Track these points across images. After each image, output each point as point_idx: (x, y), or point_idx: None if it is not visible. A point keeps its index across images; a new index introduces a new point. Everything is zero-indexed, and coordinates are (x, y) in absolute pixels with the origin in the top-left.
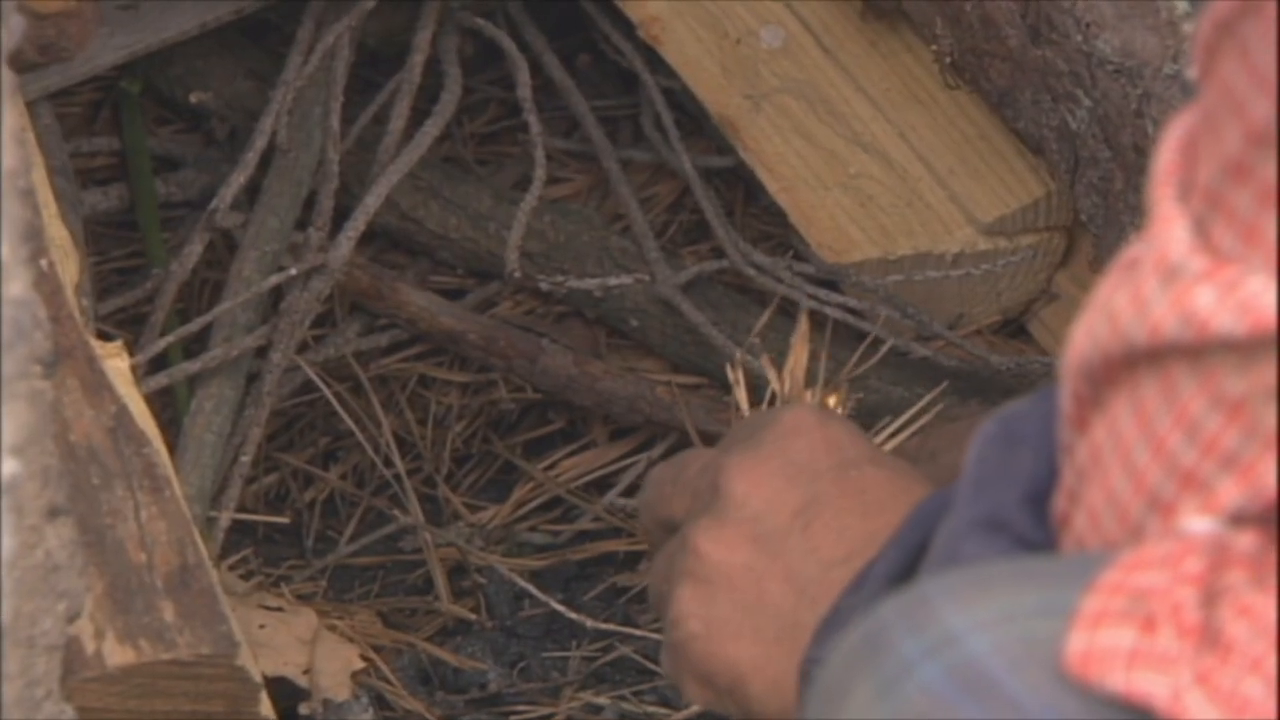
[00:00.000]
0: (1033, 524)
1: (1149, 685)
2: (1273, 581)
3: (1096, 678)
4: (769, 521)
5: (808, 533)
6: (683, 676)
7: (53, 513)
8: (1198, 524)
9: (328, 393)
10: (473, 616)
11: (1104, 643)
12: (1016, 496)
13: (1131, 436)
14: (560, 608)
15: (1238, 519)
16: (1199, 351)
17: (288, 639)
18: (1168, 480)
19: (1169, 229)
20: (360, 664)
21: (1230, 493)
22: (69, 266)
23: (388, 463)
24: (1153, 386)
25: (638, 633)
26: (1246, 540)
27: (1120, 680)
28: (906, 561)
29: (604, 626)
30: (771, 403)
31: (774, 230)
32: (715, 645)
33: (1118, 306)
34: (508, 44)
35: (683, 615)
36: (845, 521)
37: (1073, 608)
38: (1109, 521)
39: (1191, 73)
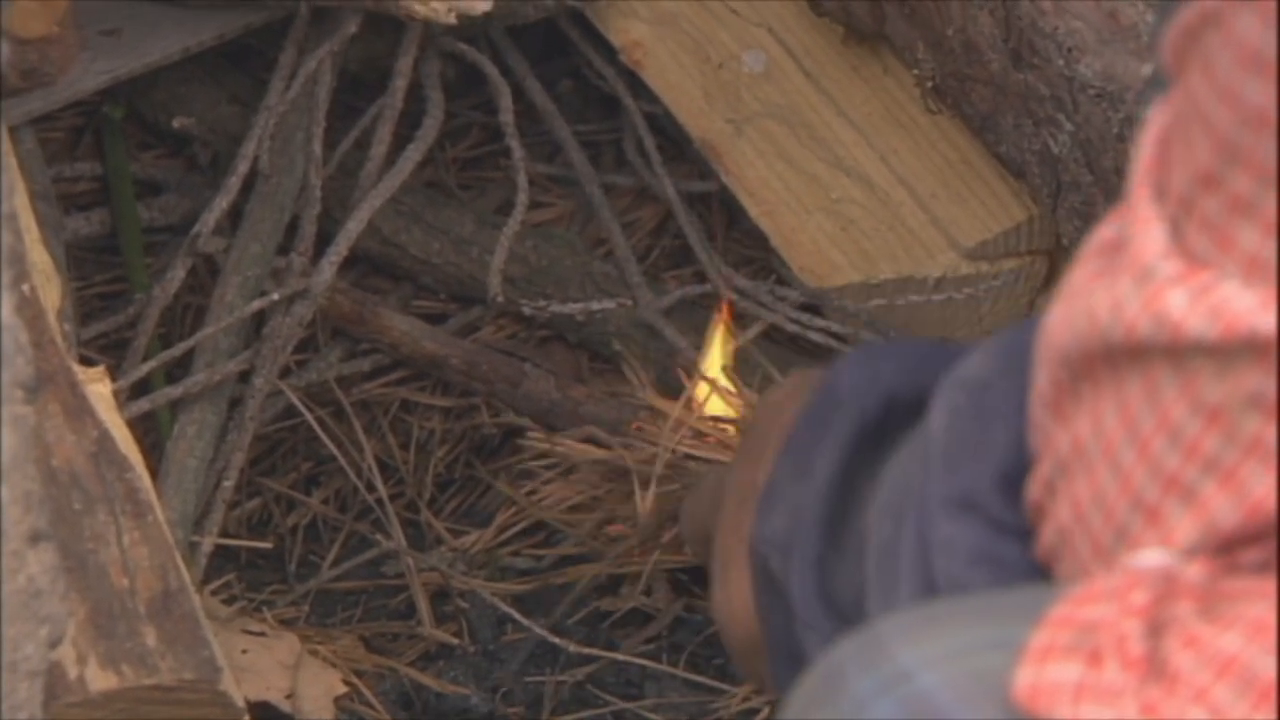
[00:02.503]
0: (1004, 505)
1: (1096, 717)
2: (1221, 611)
3: (1045, 711)
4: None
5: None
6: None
7: (35, 538)
8: (1147, 557)
9: (310, 418)
10: (455, 641)
11: (1051, 676)
12: (989, 475)
13: (1117, 435)
14: (543, 632)
15: (1193, 550)
16: (1178, 354)
17: (270, 664)
18: (1151, 483)
19: (1146, 229)
20: (343, 689)
21: (1214, 499)
22: (51, 291)
23: (370, 487)
24: (1136, 385)
25: (620, 657)
26: (1194, 571)
27: (1068, 713)
28: (819, 429)
29: (587, 651)
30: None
31: (756, 255)
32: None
33: (1096, 303)
34: (490, 69)
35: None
36: None
37: (1022, 642)
38: (1095, 519)
39: (1147, 69)
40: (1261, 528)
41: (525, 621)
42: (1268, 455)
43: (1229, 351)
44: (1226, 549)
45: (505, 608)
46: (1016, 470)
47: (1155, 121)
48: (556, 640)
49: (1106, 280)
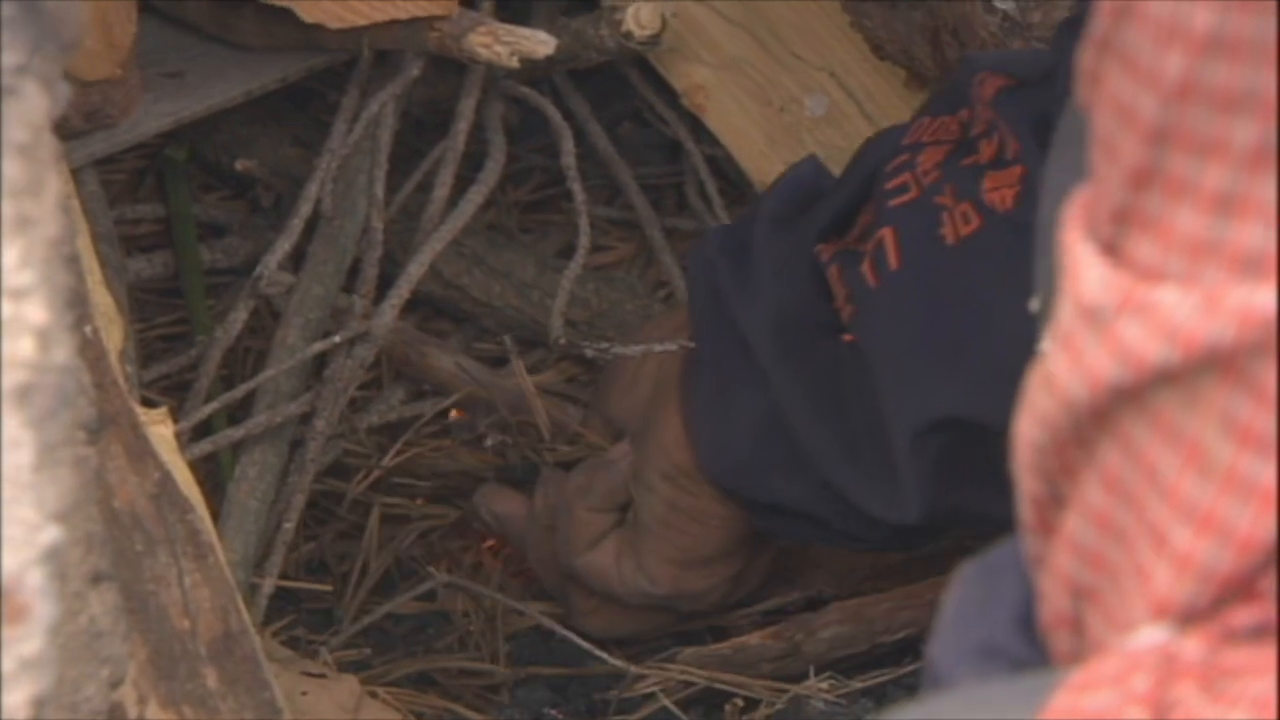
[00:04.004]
0: (1024, 645)
1: None
2: (1223, 688)
3: None
4: None
5: None
6: None
7: (96, 579)
8: (1145, 636)
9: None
10: (515, 674)
11: None
12: (1006, 620)
13: (1108, 509)
14: (602, 653)
15: (1190, 614)
16: (1142, 393)
17: (330, 706)
18: (1146, 543)
19: (1080, 274)
20: None
21: (1197, 547)
22: (113, 333)
23: (425, 524)
24: (1111, 449)
25: (680, 676)
26: (1193, 647)
27: None
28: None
29: (645, 670)
30: None
31: None
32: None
33: (1054, 371)
34: (552, 112)
35: None
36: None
37: None
38: (1111, 598)
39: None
40: (1257, 565)
41: (585, 645)
42: (1243, 486)
43: (1192, 373)
44: (1221, 603)
45: (562, 631)
46: (1031, 613)
47: (1075, 200)
48: (617, 662)
49: (1058, 352)
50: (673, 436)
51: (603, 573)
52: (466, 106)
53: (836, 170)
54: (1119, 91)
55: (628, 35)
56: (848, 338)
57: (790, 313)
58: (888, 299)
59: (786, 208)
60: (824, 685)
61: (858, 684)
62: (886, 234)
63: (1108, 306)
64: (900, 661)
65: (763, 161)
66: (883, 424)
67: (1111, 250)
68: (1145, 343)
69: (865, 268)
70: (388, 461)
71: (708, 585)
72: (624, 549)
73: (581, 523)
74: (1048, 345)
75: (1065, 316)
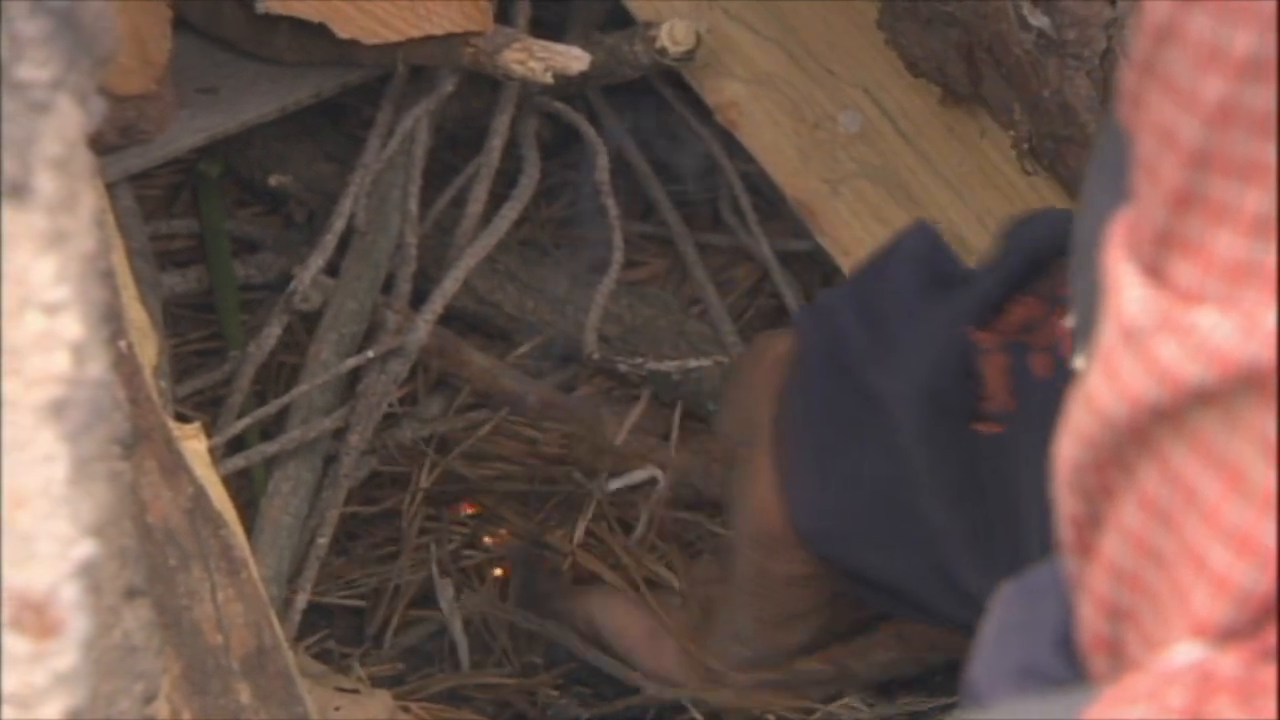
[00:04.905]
0: (1063, 666)
1: None
2: (1260, 705)
3: None
4: None
5: None
6: None
7: (130, 594)
8: (1181, 654)
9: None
10: (548, 690)
11: None
12: (1046, 641)
13: (1146, 530)
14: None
15: (1228, 634)
16: (1180, 414)
17: None
18: (1184, 564)
19: (1121, 294)
20: None
21: (1235, 570)
22: (148, 348)
23: (460, 543)
24: (1150, 469)
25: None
26: (1230, 663)
27: None
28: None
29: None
30: None
31: None
32: None
33: (1093, 389)
34: (586, 128)
35: None
36: None
37: None
38: (1148, 620)
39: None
40: None
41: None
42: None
43: (1230, 394)
44: (1259, 623)
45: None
46: (1069, 634)
47: (1116, 221)
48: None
49: (1099, 371)
50: (762, 498)
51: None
52: (501, 122)
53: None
54: (1160, 114)
55: (662, 51)
56: (991, 428)
57: (938, 393)
58: (1057, 395)
59: (921, 281)
60: (856, 704)
61: (892, 707)
62: (1067, 331)
63: (1147, 327)
64: (950, 687)
65: (796, 177)
66: (1018, 517)
67: (1153, 271)
68: (1183, 363)
69: (1034, 361)
70: (425, 481)
71: (799, 641)
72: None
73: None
74: (1083, 363)
75: (1105, 336)
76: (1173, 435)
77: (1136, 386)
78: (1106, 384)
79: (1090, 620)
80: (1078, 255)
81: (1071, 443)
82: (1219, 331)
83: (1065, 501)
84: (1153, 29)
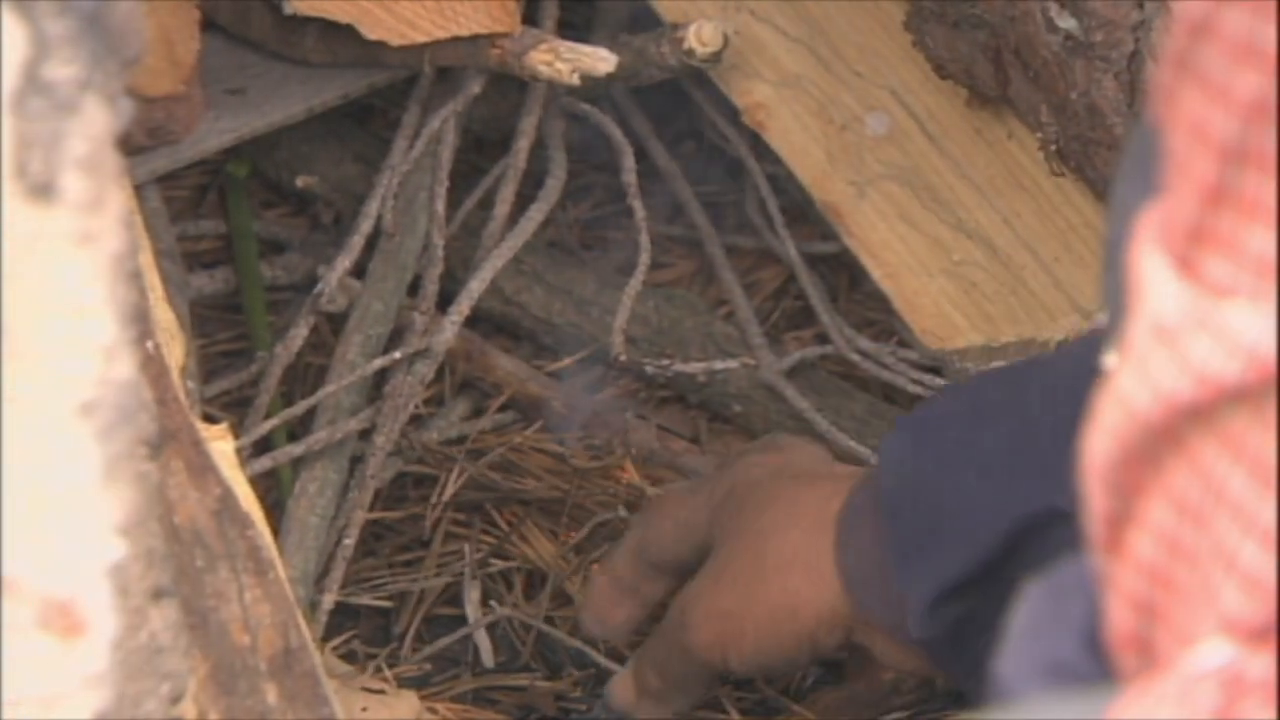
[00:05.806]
0: (1091, 662)
1: None
2: None
3: None
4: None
5: None
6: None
7: (157, 594)
8: (1210, 653)
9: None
10: (574, 692)
11: None
12: (1073, 638)
13: (1179, 531)
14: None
15: (1258, 633)
16: (1215, 412)
17: None
18: (1214, 563)
19: (1152, 290)
20: None
21: (1265, 571)
22: (175, 349)
23: (491, 544)
24: (1181, 469)
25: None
26: (1260, 664)
27: None
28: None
29: None
30: None
31: (878, 316)
32: None
33: (1124, 385)
34: (613, 130)
35: None
36: None
37: None
38: (1181, 617)
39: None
40: None
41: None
42: None
43: (1261, 391)
44: None
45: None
46: (1096, 630)
47: (1145, 217)
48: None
49: (1130, 368)
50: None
51: None
52: (527, 124)
53: None
54: (1193, 110)
55: (689, 52)
56: None
57: None
58: None
59: None
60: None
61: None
62: None
63: (1178, 323)
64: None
65: (823, 179)
66: None
67: (1184, 267)
68: (1214, 360)
69: None
70: (452, 484)
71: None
72: None
73: None
74: (1113, 360)
75: (1136, 332)
76: (1203, 432)
77: (1168, 383)
78: (1138, 381)
79: (1119, 618)
80: (1108, 253)
81: (1102, 440)
82: (1251, 329)
83: (1095, 499)
84: (1188, 25)
